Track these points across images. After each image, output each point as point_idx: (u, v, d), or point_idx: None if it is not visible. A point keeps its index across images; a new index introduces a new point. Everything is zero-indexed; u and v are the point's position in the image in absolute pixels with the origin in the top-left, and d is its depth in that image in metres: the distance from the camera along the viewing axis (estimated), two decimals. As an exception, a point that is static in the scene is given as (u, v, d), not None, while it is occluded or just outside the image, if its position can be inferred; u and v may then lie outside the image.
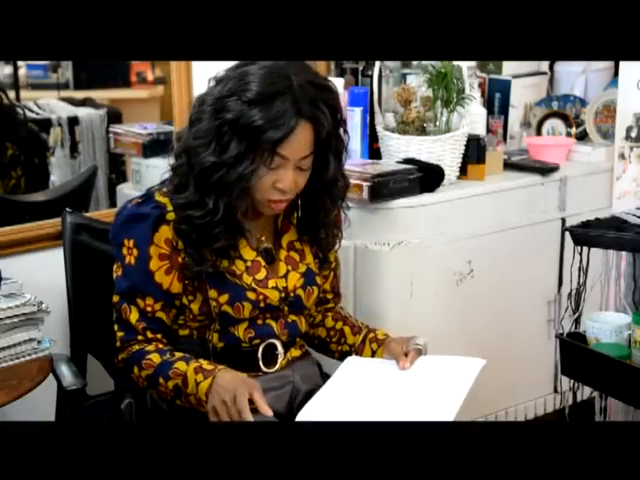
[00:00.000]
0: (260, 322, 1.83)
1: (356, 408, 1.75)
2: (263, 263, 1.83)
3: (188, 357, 1.76)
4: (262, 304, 1.80)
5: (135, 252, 1.76)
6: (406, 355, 1.85)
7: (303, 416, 1.73)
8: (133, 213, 1.78)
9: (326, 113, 1.71)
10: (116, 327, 1.82)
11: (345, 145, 1.82)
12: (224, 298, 1.78)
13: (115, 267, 1.81)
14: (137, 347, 1.78)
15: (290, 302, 1.85)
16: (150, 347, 1.78)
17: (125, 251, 1.77)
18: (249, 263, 1.80)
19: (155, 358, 1.76)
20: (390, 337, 1.95)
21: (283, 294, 1.83)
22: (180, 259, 1.76)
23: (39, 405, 2.01)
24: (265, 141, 1.68)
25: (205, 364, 1.73)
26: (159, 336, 1.80)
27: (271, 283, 1.82)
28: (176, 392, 1.73)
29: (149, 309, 1.78)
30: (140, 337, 1.79)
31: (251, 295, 1.79)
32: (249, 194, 1.74)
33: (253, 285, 1.79)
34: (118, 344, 1.81)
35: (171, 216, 1.75)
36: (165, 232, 1.76)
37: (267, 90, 1.67)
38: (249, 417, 1.62)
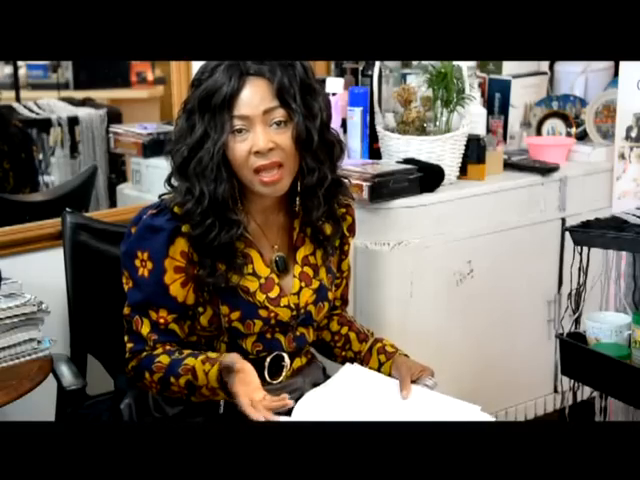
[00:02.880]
0: (269, 336, 1.82)
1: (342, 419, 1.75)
2: (277, 280, 1.80)
3: (196, 353, 1.75)
4: (273, 321, 1.79)
5: (149, 265, 1.74)
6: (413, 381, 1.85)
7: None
8: (148, 225, 1.75)
9: (275, 65, 1.70)
10: (126, 338, 1.80)
11: (321, 104, 1.76)
12: (235, 315, 1.77)
13: (125, 279, 1.78)
14: (145, 354, 1.77)
15: (301, 318, 1.84)
16: (158, 351, 1.77)
17: (138, 263, 1.75)
18: (262, 280, 1.79)
19: (164, 359, 1.75)
20: (399, 352, 1.94)
21: (295, 312, 1.82)
22: (195, 271, 1.75)
23: (39, 405, 2.00)
24: (217, 105, 1.68)
25: (210, 354, 1.74)
26: (168, 346, 1.78)
27: (283, 301, 1.80)
28: (189, 388, 1.72)
29: (162, 321, 1.76)
30: (148, 349, 1.77)
31: (263, 313, 1.78)
32: (230, 173, 1.72)
33: (266, 303, 1.78)
34: (128, 355, 1.79)
35: (186, 228, 1.74)
36: (181, 244, 1.74)
37: (213, 63, 1.72)
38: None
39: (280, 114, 1.71)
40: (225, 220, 1.73)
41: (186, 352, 1.76)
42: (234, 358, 1.69)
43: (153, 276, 1.74)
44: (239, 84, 1.69)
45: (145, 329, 1.77)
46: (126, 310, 1.79)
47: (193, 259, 1.75)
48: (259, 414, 1.62)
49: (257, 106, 1.70)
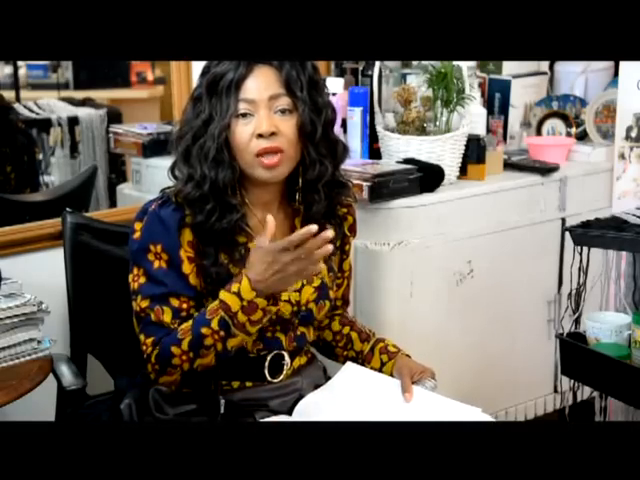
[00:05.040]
0: (269, 335, 1.80)
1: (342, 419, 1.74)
2: None
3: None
4: (273, 317, 1.78)
5: (165, 256, 1.73)
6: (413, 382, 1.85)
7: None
8: (156, 216, 1.75)
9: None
10: (143, 336, 1.76)
11: (325, 100, 1.78)
12: None
13: (134, 276, 1.76)
14: (165, 337, 1.74)
15: (301, 316, 1.84)
16: (175, 327, 1.74)
17: (152, 257, 1.74)
18: None
19: (186, 325, 1.72)
20: (401, 353, 1.94)
21: (295, 308, 1.82)
22: (201, 261, 1.75)
23: (39, 405, 2.01)
24: (224, 88, 1.71)
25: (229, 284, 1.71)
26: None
27: (284, 296, 1.79)
28: (224, 327, 1.68)
29: (185, 306, 1.75)
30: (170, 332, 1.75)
31: None
32: (232, 158, 1.73)
33: None
34: (149, 350, 1.74)
35: (190, 219, 1.74)
36: (187, 235, 1.74)
37: None
38: (298, 234, 1.61)
39: (285, 102, 1.73)
40: (224, 205, 1.74)
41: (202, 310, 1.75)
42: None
43: (172, 267, 1.74)
44: (247, 70, 1.72)
45: (167, 317, 1.74)
46: (143, 304, 1.75)
47: (199, 249, 1.75)
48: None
49: (263, 91, 1.72)
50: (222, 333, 1.69)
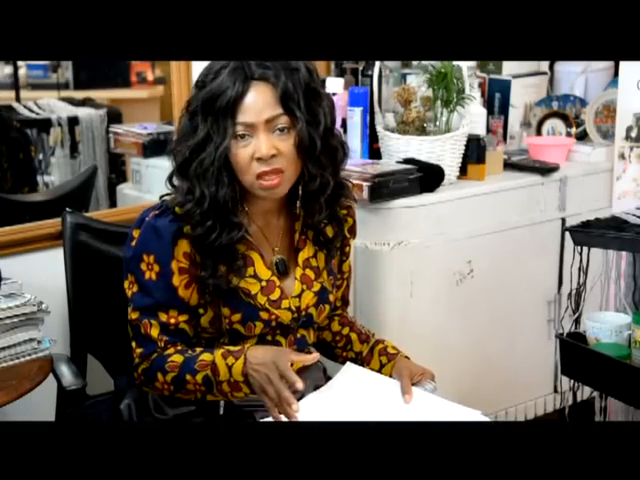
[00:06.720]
0: (270, 338, 1.81)
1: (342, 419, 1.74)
2: (278, 283, 1.80)
3: (210, 349, 1.74)
4: (274, 323, 1.79)
5: (156, 268, 1.73)
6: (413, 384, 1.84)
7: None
8: (152, 227, 1.74)
9: (279, 69, 1.69)
10: (134, 344, 1.78)
11: (325, 109, 1.75)
12: (236, 317, 1.76)
13: (128, 283, 1.77)
14: (156, 355, 1.75)
15: (302, 321, 1.84)
16: (169, 351, 1.75)
17: (144, 267, 1.74)
18: (264, 283, 1.78)
19: (177, 358, 1.73)
20: (401, 354, 1.94)
21: (295, 314, 1.82)
22: (197, 272, 1.75)
23: (39, 405, 2.01)
24: (221, 109, 1.68)
25: (231, 348, 1.72)
26: (179, 346, 1.77)
27: (284, 304, 1.80)
28: (207, 385, 1.70)
29: (172, 321, 1.75)
30: (159, 350, 1.76)
31: (264, 315, 1.77)
32: (232, 176, 1.72)
33: (267, 306, 1.78)
34: (137, 360, 1.77)
35: (188, 229, 1.73)
36: (184, 246, 1.74)
37: (218, 65, 1.71)
38: (298, 382, 1.63)
39: (283, 121, 1.70)
40: (226, 222, 1.73)
41: (198, 349, 1.75)
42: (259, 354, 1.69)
43: (161, 279, 1.74)
44: (243, 89, 1.68)
45: (154, 331, 1.75)
46: (133, 315, 1.77)
47: (196, 260, 1.75)
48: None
49: (260, 113, 1.69)
50: (203, 389, 1.72)
